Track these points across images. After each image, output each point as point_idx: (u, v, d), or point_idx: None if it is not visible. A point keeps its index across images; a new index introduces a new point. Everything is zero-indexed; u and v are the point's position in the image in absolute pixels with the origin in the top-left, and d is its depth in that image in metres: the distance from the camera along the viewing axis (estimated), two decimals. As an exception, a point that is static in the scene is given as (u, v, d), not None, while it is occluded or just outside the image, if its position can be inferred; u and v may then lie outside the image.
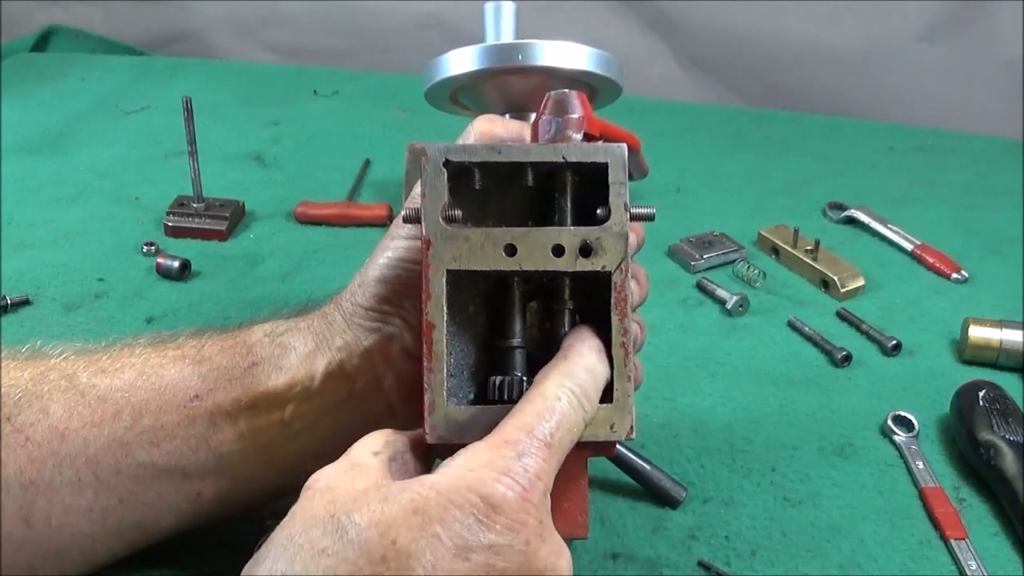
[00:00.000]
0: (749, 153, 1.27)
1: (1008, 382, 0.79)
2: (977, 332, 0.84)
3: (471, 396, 0.52)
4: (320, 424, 0.58)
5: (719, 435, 0.76)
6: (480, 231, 0.49)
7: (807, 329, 0.89)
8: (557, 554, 0.44)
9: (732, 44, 1.53)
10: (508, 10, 0.68)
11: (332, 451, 0.58)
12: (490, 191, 0.52)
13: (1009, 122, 1.38)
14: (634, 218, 0.50)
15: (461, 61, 0.63)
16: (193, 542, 0.61)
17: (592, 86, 0.66)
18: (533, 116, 0.53)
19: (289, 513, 0.44)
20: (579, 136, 0.51)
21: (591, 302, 0.52)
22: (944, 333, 0.89)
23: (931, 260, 1.00)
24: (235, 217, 1.05)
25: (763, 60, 1.53)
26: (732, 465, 0.73)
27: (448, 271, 0.49)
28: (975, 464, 0.72)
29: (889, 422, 0.76)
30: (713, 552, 0.65)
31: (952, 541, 0.66)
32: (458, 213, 0.49)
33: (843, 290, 0.94)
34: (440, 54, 0.64)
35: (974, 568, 0.64)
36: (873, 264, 0.99)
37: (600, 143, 0.51)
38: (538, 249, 0.49)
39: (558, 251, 0.49)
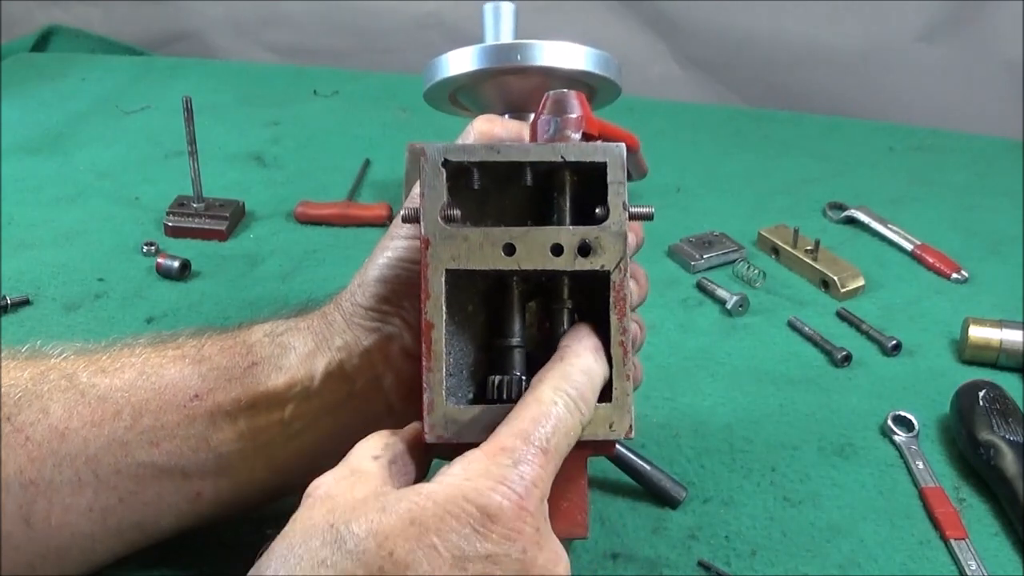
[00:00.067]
0: (749, 153, 1.27)
1: (1008, 382, 0.79)
2: (977, 332, 0.84)
3: (470, 395, 0.52)
4: (320, 424, 0.58)
5: (719, 435, 0.76)
6: (479, 231, 0.49)
7: (807, 329, 0.89)
8: (554, 561, 0.44)
9: (732, 44, 1.53)
10: (507, 10, 0.68)
11: (332, 451, 0.58)
12: (489, 191, 0.52)
13: (1009, 122, 1.38)
14: (633, 217, 0.50)
15: (460, 61, 0.63)
16: (193, 542, 0.61)
17: (591, 86, 0.66)
18: (532, 116, 0.53)
19: (290, 521, 0.45)
20: (578, 136, 0.51)
21: (590, 301, 0.52)
22: (944, 333, 0.89)
23: (931, 260, 1.00)
24: (235, 217, 1.05)
25: (763, 60, 1.53)
26: (732, 465, 0.73)
27: (447, 271, 0.49)
28: (975, 464, 0.72)
29: (889, 422, 0.76)
30: (713, 552, 0.65)
31: (952, 541, 0.66)
32: (457, 213, 0.49)
33: (843, 290, 0.94)
34: (440, 54, 0.64)
35: (974, 568, 0.64)
36: (873, 264, 0.99)
37: (599, 143, 0.51)
38: (537, 248, 0.49)
39: (557, 250, 0.49)
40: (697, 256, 0.98)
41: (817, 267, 0.96)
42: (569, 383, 0.47)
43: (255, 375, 0.57)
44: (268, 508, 0.60)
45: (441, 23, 1.62)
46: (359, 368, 0.57)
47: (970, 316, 0.86)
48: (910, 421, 0.77)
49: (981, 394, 0.75)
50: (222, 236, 1.03)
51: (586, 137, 0.51)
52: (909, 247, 1.02)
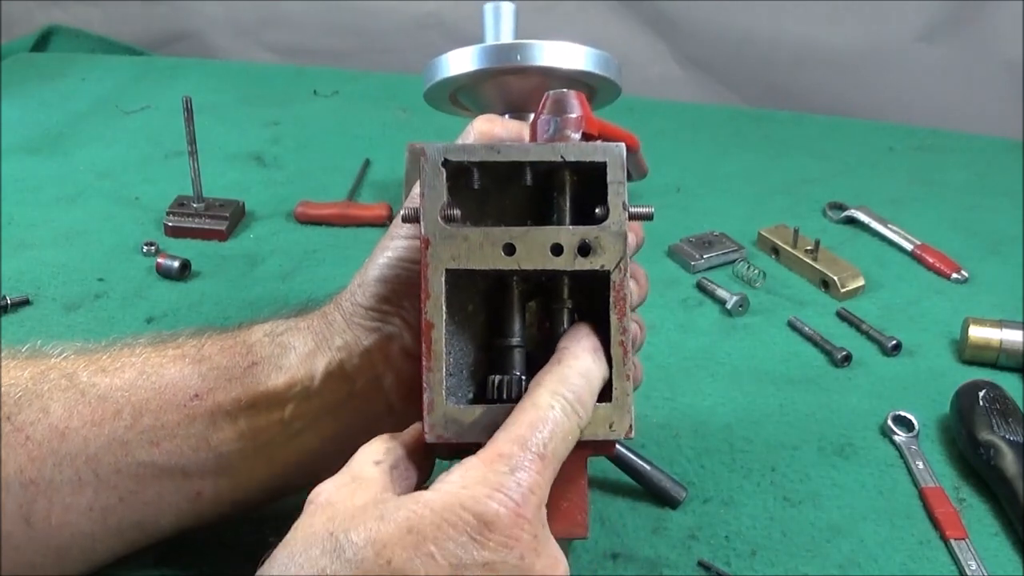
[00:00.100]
0: (749, 153, 1.27)
1: (1008, 382, 0.79)
2: (977, 332, 0.84)
3: (470, 395, 0.52)
4: (320, 424, 0.58)
5: (719, 435, 0.76)
6: (479, 230, 0.49)
7: (807, 329, 0.89)
8: (553, 567, 0.44)
9: (732, 44, 1.53)
10: (507, 10, 0.68)
11: (332, 451, 0.58)
12: (489, 191, 0.52)
13: (1009, 122, 1.38)
14: (633, 217, 0.50)
15: (460, 61, 0.63)
16: (193, 542, 0.61)
17: (591, 86, 0.66)
18: (532, 116, 0.53)
19: (292, 529, 0.45)
20: (578, 136, 0.51)
21: (590, 301, 0.52)
22: (944, 333, 0.89)
23: (931, 260, 1.00)
24: (235, 217, 1.05)
25: (763, 60, 1.53)
26: (732, 465, 0.73)
27: (447, 270, 0.49)
28: (975, 464, 0.72)
29: (889, 422, 0.76)
30: (713, 552, 0.65)
31: (952, 541, 0.66)
32: (457, 212, 0.49)
33: (843, 290, 0.94)
34: (440, 54, 0.64)
35: (974, 568, 0.64)
36: (873, 264, 0.99)
37: (598, 142, 0.51)
38: (537, 248, 0.49)
39: (557, 250, 0.49)
40: (697, 256, 0.98)
41: (817, 267, 0.96)
42: (566, 386, 0.47)
43: (255, 375, 0.57)
44: (268, 508, 0.60)
45: (441, 23, 1.62)
46: (359, 368, 0.57)
47: (970, 316, 0.86)
48: (910, 421, 0.77)
49: (981, 394, 0.75)
50: (222, 236, 1.03)
51: (586, 137, 0.51)
52: (909, 247, 1.02)
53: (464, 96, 0.68)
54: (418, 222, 0.49)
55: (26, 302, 0.91)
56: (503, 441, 0.45)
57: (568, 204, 0.51)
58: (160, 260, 0.96)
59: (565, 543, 0.48)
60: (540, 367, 0.49)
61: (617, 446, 0.67)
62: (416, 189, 0.52)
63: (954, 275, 0.98)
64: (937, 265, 0.99)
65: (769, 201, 1.13)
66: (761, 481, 0.72)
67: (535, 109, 0.53)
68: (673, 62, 1.59)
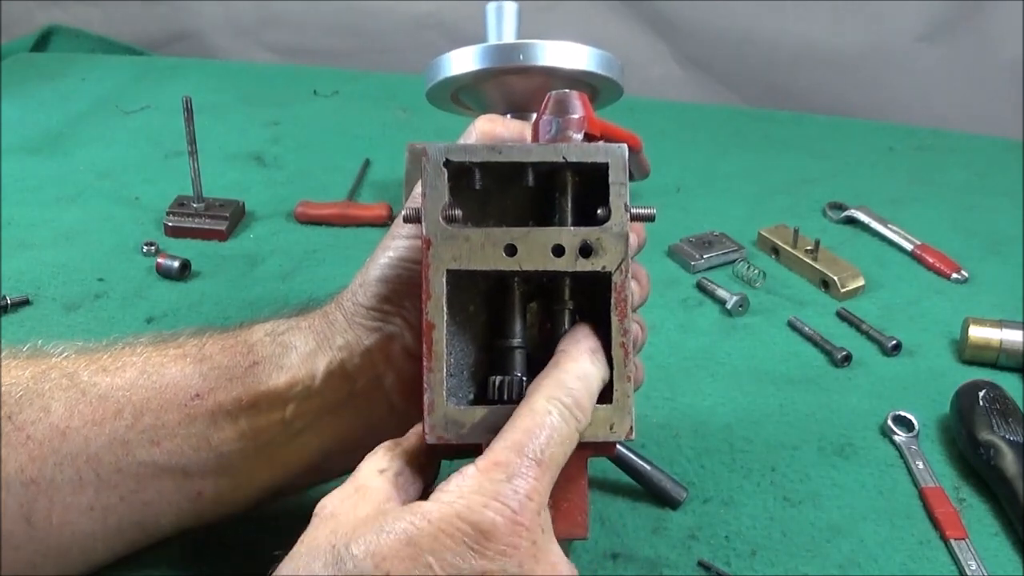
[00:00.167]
0: (749, 153, 1.27)
1: (1008, 382, 0.79)
2: (977, 332, 0.84)
3: (471, 396, 0.52)
4: (321, 423, 0.58)
5: (719, 435, 0.76)
6: (480, 231, 0.49)
7: (807, 329, 0.89)
8: (554, 572, 0.44)
9: (732, 44, 1.54)
10: (510, 10, 0.68)
11: (333, 450, 0.58)
12: (491, 191, 0.52)
13: (1009, 122, 1.38)
14: (634, 218, 0.50)
15: (463, 61, 0.63)
16: (193, 542, 0.61)
17: (593, 86, 0.66)
18: (534, 116, 0.53)
19: (297, 542, 0.45)
20: (580, 136, 0.51)
21: (591, 302, 0.52)
22: (944, 333, 0.89)
23: (931, 260, 1.00)
24: (235, 217, 1.05)
25: (763, 60, 1.53)
26: (732, 465, 0.73)
27: (448, 271, 0.49)
28: (975, 464, 0.72)
29: (889, 422, 0.77)
30: (713, 552, 0.65)
31: (952, 541, 0.66)
32: (458, 213, 0.49)
33: (843, 290, 0.94)
34: (440, 54, 0.64)
35: (974, 568, 0.64)
36: (873, 264, 0.99)
37: (601, 143, 0.51)
38: (538, 249, 0.49)
39: (558, 251, 0.49)
40: (697, 256, 0.98)
41: (817, 267, 0.96)
42: (563, 391, 0.47)
43: (256, 374, 0.57)
44: (268, 508, 0.60)
45: (441, 23, 1.62)
46: (360, 367, 0.57)
47: (970, 316, 0.86)
48: (910, 421, 0.77)
49: (981, 394, 0.75)
50: (222, 236, 1.03)
51: (588, 138, 0.51)
52: (909, 247, 1.02)
53: (466, 95, 0.68)
54: (419, 222, 0.49)
55: (26, 302, 0.91)
56: (500, 449, 0.45)
57: (570, 205, 0.51)
58: (160, 260, 0.96)
59: (565, 543, 0.48)
60: (541, 368, 0.49)
61: (617, 446, 0.67)
62: (417, 189, 0.52)
63: (954, 275, 0.98)
64: (937, 265, 0.99)
65: (769, 201, 1.13)
66: (761, 481, 0.72)
67: (537, 109, 0.52)
68: (673, 62, 1.59)
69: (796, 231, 0.99)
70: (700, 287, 0.96)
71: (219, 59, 1.70)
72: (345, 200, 1.10)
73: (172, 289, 0.94)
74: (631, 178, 0.51)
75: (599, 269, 0.49)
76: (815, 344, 0.87)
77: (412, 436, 0.51)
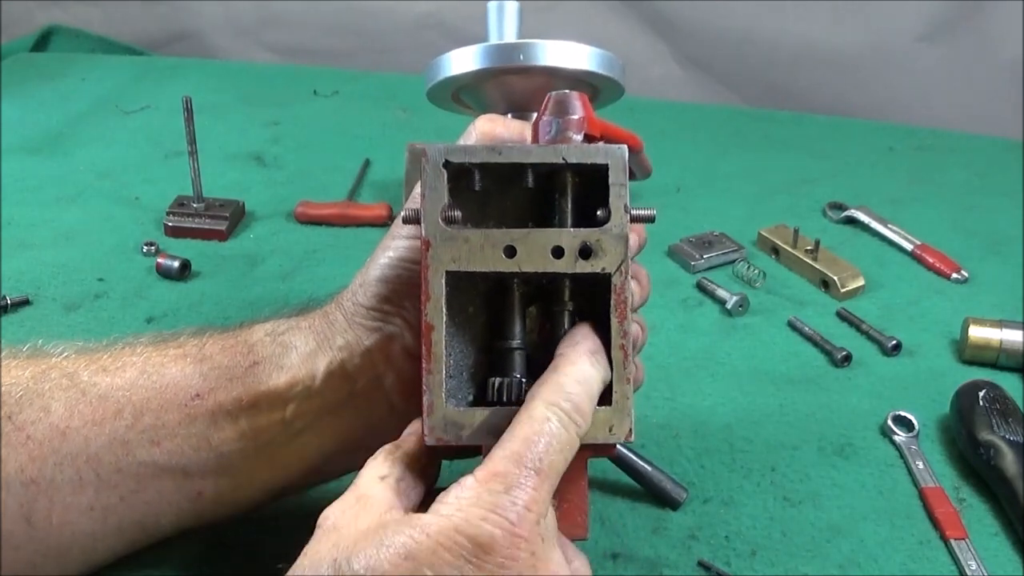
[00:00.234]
0: (749, 153, 1.27)
1: (1008, 382, 0.79)
2: (977, 332, 0.84)
3: (470, 397, 0.52)
4: (321, 423, 0.58)
5: (719, 435, 0.76)
6: (479, 232, 0.49)
7: (807, 329, 0.89)
8: None
9: (732, 44, 1.54)
10: (511, 9, 0.68)
11: (333, 451, 0.58)
12: (490, 192, 0.52)
13: (1009, 122, 1.38)
14: (634, 220, 0.50)
15: (463, 60, 0.63)
16: (193, 542, 0.61)
17: (594, 86, 0.66)
18: (535, 116, 0.53)
19: (300, 555, 0.45)
20: (579, 137, 0.51)
21: (591, 304, 0.52)
22: (944, 333, 0.89)
23: (931, 260, 1.00)
24: (235, 217, 1.05)
25: (763, 60, 1.53)
26: (732, 465, 0.73)
27: (448, 272, 0.49)
28: (975, 464, 0.72)
29: (889, 422, 0.77)
30: (713, 552, 0.65)
31: (952, 541, 0.66)
32: (458, 214, 0.49)
33: (843, 290, 0.94)
34: (440, 54, 0.64)
35: (974, 568, 0.64)
36: (873, 264, 0.99)
37: (600, 144, 0.51)
38: (538, 251, 0.49)
39: (558, 253, 0.49)
40: (697, 256, 0.98)
41: (817, 267, 0.96)
42: (562, 396, 0.47)
43: (256, 374, 0.57)
44: (268, 508, 0.60)
45: (441, 23, 1.62)
46: (360, 367, 0.57)
47: (970, 316, 0.86)
48: (910, 421, 0.77)
49: (981, 394, 0.75)
50: (222, 236, 1.03)
51: (588, 138, 0.51)
52: (909, 247, 1.02)
53: (467, 95, 0.68)
54: (419, 223, 0.49)
55: (26, 302, 0.91)
56: (498, 458, 0.45)
57: (570, 206, 0.51)
58: (160, 260, 0.96)
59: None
60: (541, 369, 0.49)
61: (617, 447, 0.67)
62: (417, 190, 0.52)
63: (954, 275, 0.98)
64: (937, 265, 0.99)
65: (769, 201, 1.13)
66: (761, 481, 0.72)
67: (538, 109, 0.52)
68: (673, 62, 1.59)
69: (796, 231, 0.99)
70: (700, 287, 0.96)
71: (219, 59, 1.70)
72: (345, 200, 1.10)
73: (172, 289, 0.94)
74: (633, 177, 0.51)
75: (599, 271, 0.49)
76: (815, 344, 0.87)
77: (411, 438, 0.50)
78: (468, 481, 0.44)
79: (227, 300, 0.92)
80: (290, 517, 0.47)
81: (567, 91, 0.51)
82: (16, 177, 1.14)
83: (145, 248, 0.99)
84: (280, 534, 0.46)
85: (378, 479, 0.48)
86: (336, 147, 1.25)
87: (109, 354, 0.59)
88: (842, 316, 0.92)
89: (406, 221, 0.52)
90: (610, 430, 0.49)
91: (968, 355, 0.85)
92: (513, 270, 0.49)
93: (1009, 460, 0.69)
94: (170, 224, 1.03)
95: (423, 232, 0.49)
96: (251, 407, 0.57)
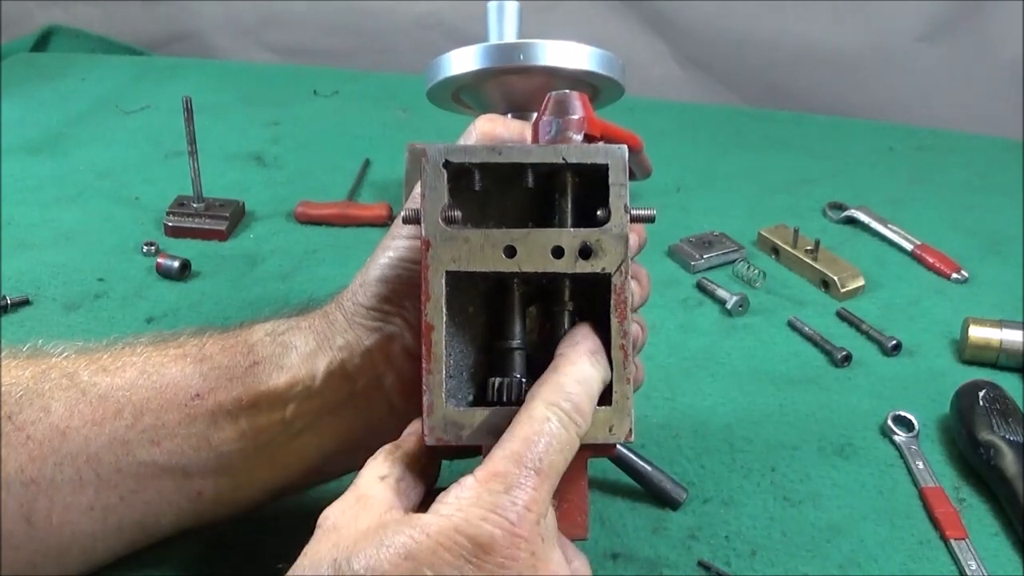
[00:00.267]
0: (749, 153, 1.27)
1: (1008, 382, 0.79)
2: (977, 332, 0.84)
3: (470, 397, 0.52)
4: (321, 423, 0.58)
5: (719, 435, 0.76)
6: (479, 232, 0.49)
7: (807, 329, 0.89)
8: None
9: (732, 44, 1.54)
10: (511, 9, 0.68)
11: (333, 451, 0.59)
12: (490, 192, 0.52)
13: (1009, 122, 1.38)
14: (634, 220, 0.50)
15: (463, 60, 0.63)
16: (193, 542, 0.61)
17: (595, 86, 0.66)
18: (535, 116, 0.53)
19: (301, 554, 0.45)
20: (579, 137, 0.51)
21: (591, 304, 0.52)
22: (944, 333, 0.89)
23: (931, 260, 1.00)
24: (235, 217, 1.05)
25: (763, 60, 1.53)
26: (732, 465, 0.73)
27: (447, 272, 0.49)
28: (975, 464, 0.72)
29: (889, 422, 0.77)
30: (713, 552, 0.65)
31: (952, 541, 0.66)
32: (458, 214, 0.49)
33: (843, 290, 0.94)
34: (440, 54, 0.64)
35: (974, 568, 0.64)
36: (873, 264, 0.99)
37: (600, 144, 0.51)
38: (538, 251, 0.49)
39: (558, 253, 0.49)
40: (697, 256, 0.98)
41: (817, 267, 0.96)
42: (562, 396, 0.47)
43: (256, 374, 0.57)
44: (268, 508, 0.60)
45: (441, 23, 1.62)
46: (361, 367, 0.57)
47: (970, 316, 0.86)
48: (910, 421, 0.77)
49: (981, 394, 0.75)
50: (222, 236, 1.03)
51: (588, 138, 0.51)
52: (909, 247, 1.02)
53: (467, 95, 0.68)
54: (419, 223, 0.49)
55: (26, 302, 0.91)
56: (498, 458, 0.45)
57: (570, 206, 0.51)
58: (160, 260, 0.96)
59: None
60: (541, 369, 0.49)
61: (617, 447, 0.67)
62: (417, 190, 0.52)
63: (954, 275, 0.98)
64: (937, 265, 0.99)
65: (769, 201, 1.13)
66: (761, 481, 0.72)
67: (538, 108, 0.52)
68: (673, 62, 1.59)
69: (796, 231, 0.99)
70: (700, 287, 0.96)
71: (219, 59, 1.70)
72: (345, 200, 1.10)
73: (172, 289, 0.94)
74: (633, 177, 0.51)
75: (599, 271, 0.49)
76: (815, 344, 0.87)
77: (411, 438, 0.50)
78: (468, 481, 0.44)
79: (227, 300, 0.92)
80: (290, 517, 0.47)
81: (567, 91, 0.51)
82: (16, 177, 1.14)
83: (145, 248, 0.99)
84: (280, 534, 0.46)
85: (378, 479, 0.47)
86: (336, 147, 1.25)
87: (109, 354, 0.59)
88: (842, 316, 0.92)
89: (406, 221, 0.52)
90: (610, 430, 0.49)
91: (968, 355, 0.85)
92: (513, 270, 0.49)
93: (1009, 460, 0.69)
94: (170, 224, 1.03)
95: (423, 232, 0.49)
96: (251, 407, 0.57)
